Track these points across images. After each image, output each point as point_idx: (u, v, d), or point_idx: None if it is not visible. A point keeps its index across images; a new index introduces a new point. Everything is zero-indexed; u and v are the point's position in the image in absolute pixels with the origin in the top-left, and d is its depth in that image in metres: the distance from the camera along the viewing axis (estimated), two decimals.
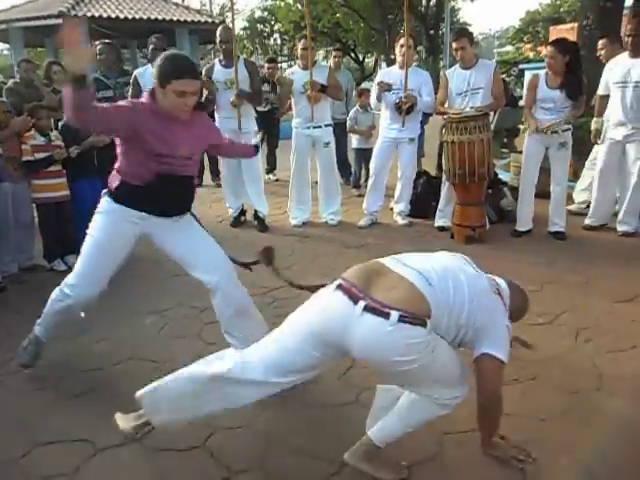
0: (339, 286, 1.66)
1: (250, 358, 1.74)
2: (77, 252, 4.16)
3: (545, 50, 4.39)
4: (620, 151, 4.34)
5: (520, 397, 2.30)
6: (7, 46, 17.45)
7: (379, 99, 4.73)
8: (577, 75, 4.18)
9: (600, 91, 4.45)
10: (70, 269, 3.97)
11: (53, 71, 4.99)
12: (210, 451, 2.01)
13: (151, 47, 4.72)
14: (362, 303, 1.57)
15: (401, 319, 1.54)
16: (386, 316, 1.54)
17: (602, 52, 4.82)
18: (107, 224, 2.39)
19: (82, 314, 2.51)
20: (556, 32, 11.08)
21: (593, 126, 4.50)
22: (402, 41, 4.63)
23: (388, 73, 4.84)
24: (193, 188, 2.45)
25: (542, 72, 4.35)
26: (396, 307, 1.55)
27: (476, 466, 1.91)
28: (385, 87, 4.61)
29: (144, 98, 2.26)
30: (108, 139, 4.27)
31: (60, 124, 4.14)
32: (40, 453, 2.04)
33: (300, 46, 4.80)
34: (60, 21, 12.45)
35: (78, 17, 12.61)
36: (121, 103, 2.30)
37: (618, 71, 4.23)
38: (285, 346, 1.71)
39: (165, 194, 2.27)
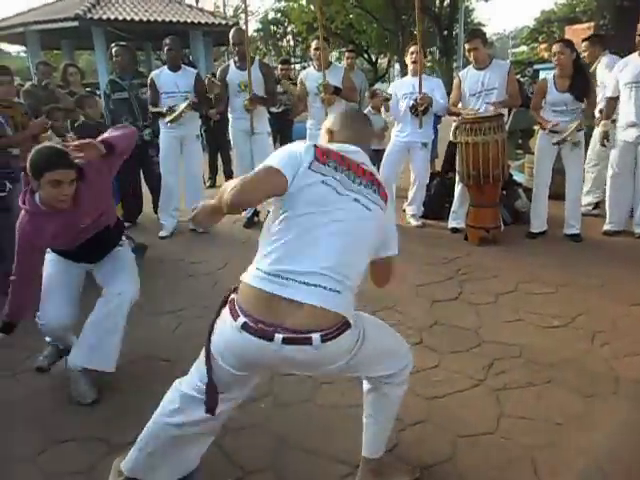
0: (244, 326, 1.44)
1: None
2: None
3: (552, 51, 4.34)
4: (633, 153, 4.27)
5: (535, 400, 2.28)
6: (24, 49, 17.69)
7: (386, 109, 4.79)
8: (584, 75, 4.18)
9: (609, 93, 4.37)
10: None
11: (69, 73, 5.05)
12: (224, 451, 2.02)
13: (166, 49, 4.76)
14: (278, 337, 1.40)
15: (323, 339, 1.42)
16: (308, 342, 1.41)
17: (585, 54, 4.86)
18: (56, 264, 2.54)
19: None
20: (572, 32, 10.98)
21: (601, 129, 4.43)
22: (412, 49, 4.65)
23: (401, 83, 4.94)
24: (113, 230, 2.56)
25: (550, 76, 4.33)
26: (314, 329, 1.41)
27: (490, 469, 1.89)
28: (387, 97, 4.68)
29: (26, 206, 2.21)
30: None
31: (76, 125, 4.20)
32: (56, 451, 2.06)
33: (313, 46, 4.81)
34: (76, 24, 12.61)
35: (94, 19, 12.74)
36: (21, 248, 2.28)
37: (629, 71, 4.16)
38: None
39: (89, 251, 2.48)
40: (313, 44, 4.83)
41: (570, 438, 2.04)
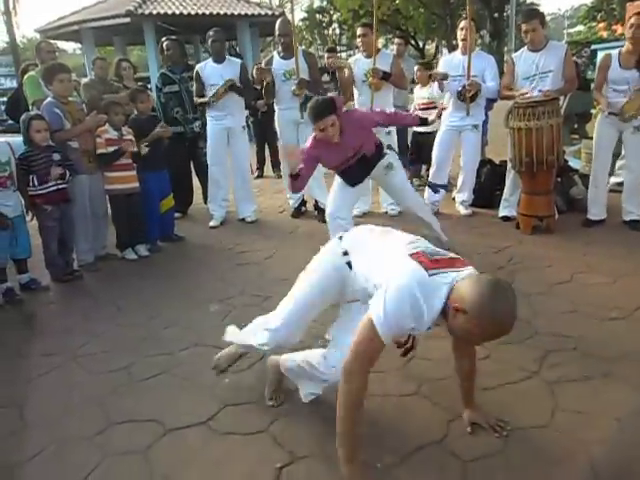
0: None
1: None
2: (146, 242, 4.41)
3: (627, 24, 4.06)
4: None
5: (592, 395, 2.20)
6: (79, 46, 18.34)
7: (441, 89, 4.63)
8: None
9: None
10: (140, 258, 4.20)
11: (122, 67, 5.20)
12: (273, 436, 2.06)
13: (210, 41, 4.82)
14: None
15: None
16: None
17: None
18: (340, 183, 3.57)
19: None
20: (633, 8, 10.35)
21: None
22: (463, 24, 4.49)
23: (450, 60, 4.70)
24: (371, 157, 3.39)
25: (614, 52, 4.09)
26: None
27: (543, 463, 1.84)
28: (440, 77, 4.50)
29: (312, 141, 3.24)
30: (171, 132, 4.44)
31: (130, 119, 4.32)
32: (114, 431, 2.15)
33: (358, 32, 4.75)
34: (128, 20, 12.96)
35: (145, 15, 13.06)
36: (306, 160, 3.18)
37: None
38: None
39: (357, 171, 3.44)
40: (358, 31, 4.77)
41: (630, 435, 1.95)
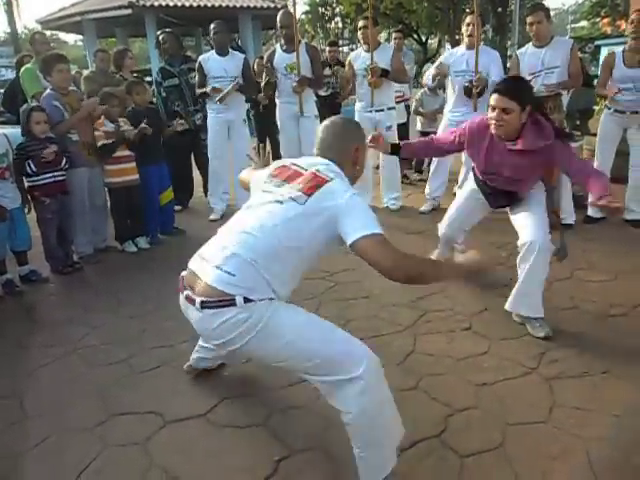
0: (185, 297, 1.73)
1: None
2: (146, 235, 4.40)
3: (629, 20, 4.04)
4: None
5: (591, 391, 2.20)
6: (81, 37, 18.28)
7: (434, 79, 4.62)
8: None
9: None
10: (140, 251, 4.20)
11: (129, 56, 5.07)
12: (272, 429, 2.07)
13: (212, 33, 4.80)
14: (185, 293, 1.72)
15: (203, 305, 1.61)
16: (193, 303, 1.64)
17: None
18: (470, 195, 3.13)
19: None
20: (638, 4, 10.30)
21: None
22: (469, 19, 4.46)
23: (455, 54, 4.67)
24: (519, 194, 2.82)
25: (619, 50, 4.06)
26: (200, 294, 1.63)
27: (541, 458, 1.85)
28: (442, 72, 4.50)
29: (476, 120, 2.76)
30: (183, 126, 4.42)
31: (127, 110, 4.30)
32: (114, 423, 2.16)
33: (360, 24, 4.73)
34: (129, 11, 12.92)
35: (146, 6, 13.01)
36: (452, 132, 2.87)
37: None
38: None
39: (496, 196, 2.89)
40: (360, 23, 4.74)
41: (628, 432, 1.96)
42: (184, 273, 1.79)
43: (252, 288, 1.59)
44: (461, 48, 4.62)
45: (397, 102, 5.45)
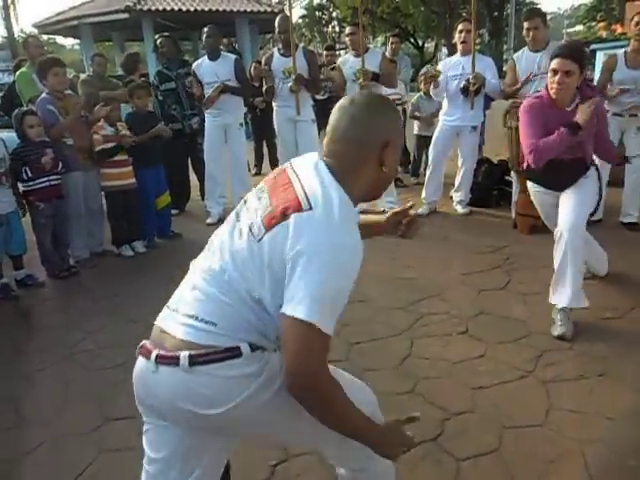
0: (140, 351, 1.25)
1: None
2: (143, 239, 4.41)
3: (632, 23, 4.05)
4: None
5: (587, 394, 2.21)
6: (78, 41, 18.30)
7: (435, 87, 4.64)
8: None
9: None
10: (137, 255, 4.20)
11: (140, 62, 5.08)
12: None
13: (204, 37, 4.82)
14: (154, 354, 1.18)
15: (192, 361, 1.13)
16: (175, 361, 1.14)
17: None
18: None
19: None
20: (634, 8, 10.38)
21: None
22: (461, 26, 4.50)
23: (449, 62, 4.73)
24: (584, 165, 2.74)
25: (620, 52, 4.09)
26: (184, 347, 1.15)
27: (537, 462, 1.85)
28: (435, 73, 4.53)
29: (538, 94, 2.74)
30: (171, 132, 4.43)
31: (125, 114, 4.31)
32: (110, 427, 2.16)
33: (347, 31, 4.76)
34: (126, 15, 12.93)
35: (144, 10, 13.02)
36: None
37: None
38: None
39: (558, 175, 2.73)
40: (347, 30, 4.77)
41: (623, 434, 1.97)
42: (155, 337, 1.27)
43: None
44: (456, 56, 4.68)
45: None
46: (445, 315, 2.97)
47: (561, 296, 2.70)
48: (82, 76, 5.35)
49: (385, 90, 4.98)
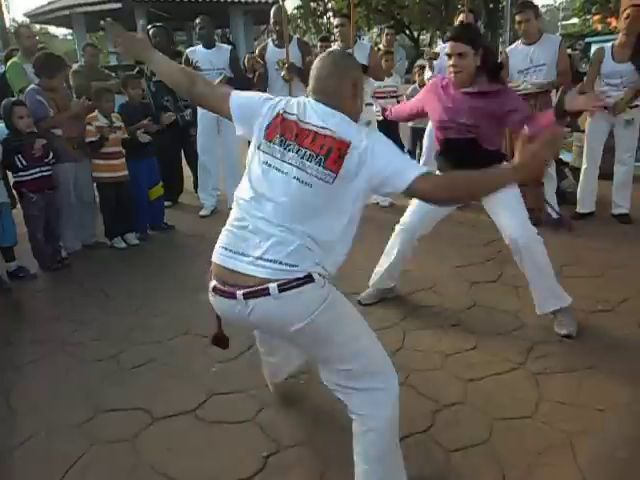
0: (214, 289, 1.56)
1: None
2: (136, 231, 4.39)
3: (622, 15, 4.06)
4: None
5: (577, 386, 2.22)
6: (70, 31, 18.10)
7: (432, 70, 4.63)
8: None
9: None
10: (129, 247, 4.18)
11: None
12: (260, 425, 2.07)
13: (197, 28, 4.78)
14: (240, 294, 1.46)
15: (281, 289, 1.42)
16: (266, 292, 1.43)
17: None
18: None
19: None
20: (628, 1, 10.38)
21: None
22: (462, 17, 4.48)
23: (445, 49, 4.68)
24: (482, 150, 2.65)
25: (608, 45, 4.09)
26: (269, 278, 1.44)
27: (527, 453, 1.87)
28: (432, 55, 4.51)
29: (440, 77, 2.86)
30: (159, 127, 4.40)
31: (118, 105, 4.28)
32: (102, 419, 2.16)
33: (335, 22, 4.73)
34: (119, 5, 12.80)
35: (136, 0, 12.89)
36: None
37: None
38: None
39: (450, 152, 2.78)
40: (336, 21, 4.74)
41: (612, 426, 1.98)
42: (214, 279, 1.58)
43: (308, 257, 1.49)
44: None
45: (390, 97, 5.45)
46: (438, 307, 2.98)
47: (548, 301, 2.66)
48: (74, 66, 5.28)
49: (373, 82, 4.98)
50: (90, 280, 3.65)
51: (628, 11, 3.95)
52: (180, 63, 4.95)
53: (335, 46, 4.93)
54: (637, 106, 4.04)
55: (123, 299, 3.29)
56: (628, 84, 3.94)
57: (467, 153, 2.61)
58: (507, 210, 2.61)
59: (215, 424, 2.09)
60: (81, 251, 4.09)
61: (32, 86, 3.80)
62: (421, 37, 32.30)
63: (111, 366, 2.55)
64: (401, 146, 6.45)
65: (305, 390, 2.27)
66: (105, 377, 2.45)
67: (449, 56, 2.56)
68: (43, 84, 3.79)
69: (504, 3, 21.83)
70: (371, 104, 4.91)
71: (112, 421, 2.14)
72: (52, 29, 28.68)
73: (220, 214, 5.01)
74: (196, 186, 5.35)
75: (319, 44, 7.15)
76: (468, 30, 2.66)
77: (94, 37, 19.47)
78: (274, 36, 4.80)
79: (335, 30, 4.74)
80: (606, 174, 4.34)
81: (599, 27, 21.45)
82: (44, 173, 3.64)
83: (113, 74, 5.52)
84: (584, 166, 4.35)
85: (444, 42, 4.30)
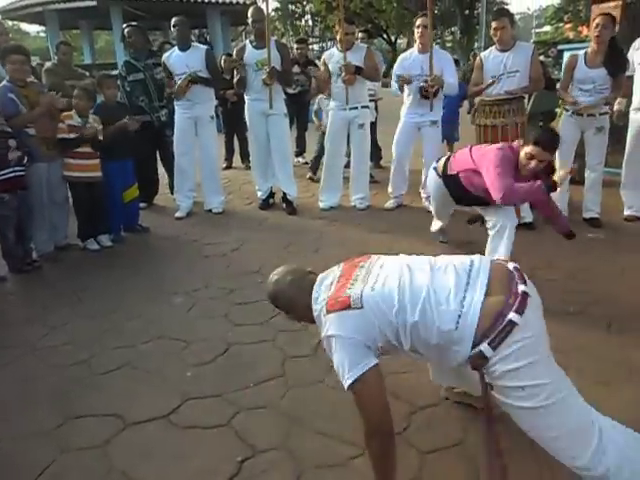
0: None
1: None
2: (109, 232, 4.32)
3: (592, 25, 4.18)
4: None
5: None
6: (43, 28, 17.73)
7: (401, 90, 4.66)
8: (620, 52, 4.04)
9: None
10: (103, 249, 4.12)
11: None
12: (234, 429, 2.05)
13: (174, 29, 4.74)
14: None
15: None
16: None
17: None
18: None
19: None
20: (599, 10, 10.63)
21: (616, 107, 4.32)
22: (419, 21, 4.51)
23: (407, 58, 4.68)
24: None
25: (581, 52, 4.19)
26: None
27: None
28: (406, 81, 4.52)
29: None
30: (138, 125, 4.34)
31: (94, 105, 4.20)
32: (73, 425, 2.11)
33: (337, 28, 4.74)
34: (94, 3, 12.58)
35: None
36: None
37: None
38: None
39: None
40: (337, 26, 4.76)
41: None
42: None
43: None
44: (413, 51, 4.66)
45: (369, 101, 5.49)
46: None
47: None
48: (47, 64, 5.18)
49: (368, 84, 5.01)
50: (62, 283, 3.57)
51: (597, 20, 4.06)
52: (155, 64, 4.92)
53: (333, 47, 4.94)
54: (606, 113, 4.15)
55: (96, 302, 3.23)
56: (600, 89, 4.05)
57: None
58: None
59: (189, 429, 2.07)
60: (53, 253, 4.00)
61: (4, 83, 3.70)
62: (398, 41, 32.60)
63: (82, 371, 2.50)
64: (378, 147, 6.49)
65: (279, 394, 2.26)
66: (76, 382, 2.40)
67: (532, 156, 2.87)
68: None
69: (479, 10, 22.19)
70: (367, 107, 4.95)
71: (83, 427, 2.10)
72: (24, 26, 28.10)
73: (196, 216, 4.97)
74: (172, 188, 5.30)
75: (296, 46, 7.19)
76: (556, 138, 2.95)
77: (68, 35, 19.13)
78: (252, 37, 4.79)
79: (339, 36, 4.68)
80: (578, 179, 4.44)
81: (571, 35, 21.95)
82: (17, 173, 3.55)
83: (87, 73, 5.42)
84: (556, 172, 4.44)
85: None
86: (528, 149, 2.87)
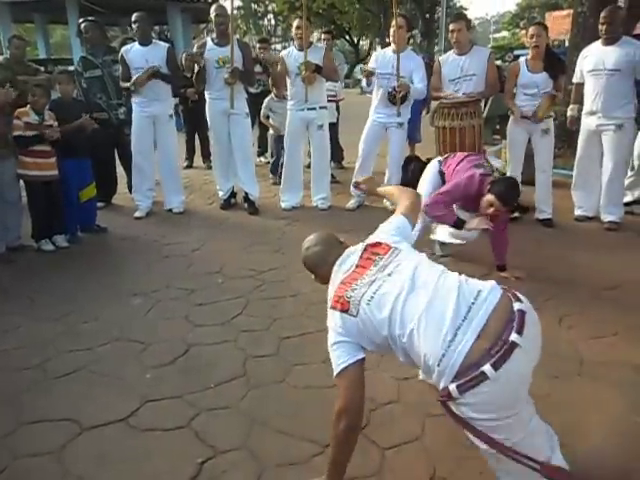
0: None
1: None
2: (65, 233, 4.20)
3: (528, 35, 4.38)
4: (597, 141, 4.30)
5: None
6: None
7: (369, 84, 4.70)
8: (555, 55, 4.28)
9: (575, 79, 4.40)
10: (58, 250, 4.00)
11: None
12: (195, 431, 2.03)
13: (134, 25, 4.65)
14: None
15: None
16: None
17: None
18: None
19: None
20: (552, 18, 11.05)
21: (569, 113, 4.50)
22: (394, 22, 4.59)
23: (383, 55, 4.75)
24: None
25: (522, 59, 4.39)
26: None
27: (457, 447, 1.93)
28: (368, 74, 4.59)
29: None
30: (96, 124, 4.24)
31: (51, 102, 4.08)
32: (26, 431, 2.05)
33: (295, 24, 4.75)
34: None
35: None
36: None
37: (592, 59, 4.20)
38: None
39: None
40: (295, 23, 4.76)
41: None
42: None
43: None
44: (389, 50, 4.73)
45: (328, 102, 5.52)
46: None
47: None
48: None
49: (328, 84, 5.04)
50: (14, 284, 3.45)
51: (531, 31, 4.27)
52: (114, 60, 4.81)
53: (291, 47, 4.95)
54: (551, 116, 4.32)
55: (50, 304, 3.13)
56: (543, 92, 4.21)
57: None
58: None
59: (148, 432, 2.04)
60: (5, 254, 3.86)
61: None
62: (361, 43, 32.88)
63: (36, 375, 2.43)
64: (339, 148, 6.54)
65: (240, 394, 2.26)
66: (30, 387, 2.33)
67: (491, 204, 2.99)
68: None
69: (439, 14, 22.63)
70: (325, 107, 4.96)
71: (37, 433, 2.04)
72: None
73: (156, 216, 4.89)
74: (130, 187, 5.19)
75: (258, 45, 7.16)
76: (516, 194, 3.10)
77: (21, 29, 18.46)
78: (213, 35, 4.74)
79: (294, 32, 4.73)
80: (529, 181, 4.59)
81: (526, 41, 22.66)
82: None
83: (42, 68, 5.26)
84: (508, 173, 4.57)
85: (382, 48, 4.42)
86: (490, 198, 2.97)
